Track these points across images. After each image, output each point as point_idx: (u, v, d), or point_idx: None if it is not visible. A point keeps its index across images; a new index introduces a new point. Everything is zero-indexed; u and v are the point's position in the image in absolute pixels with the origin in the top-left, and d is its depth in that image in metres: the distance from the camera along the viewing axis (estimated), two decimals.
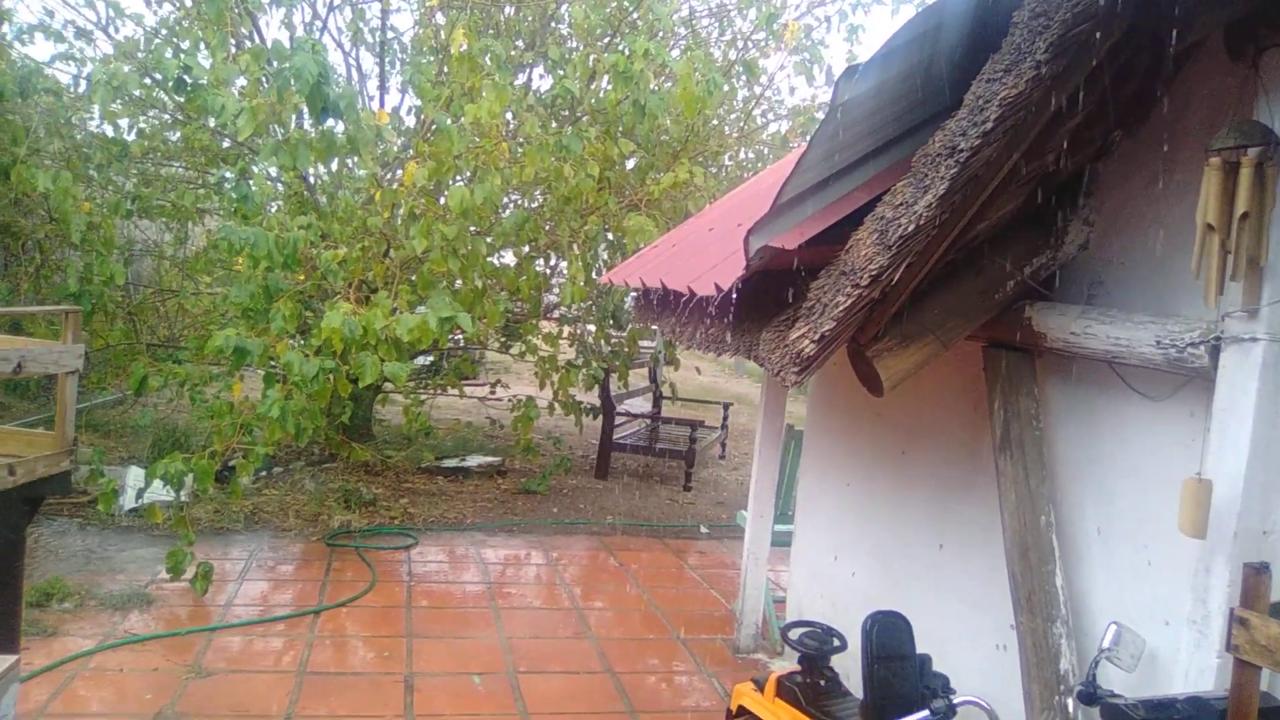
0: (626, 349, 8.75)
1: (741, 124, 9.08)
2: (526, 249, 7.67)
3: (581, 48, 7.61)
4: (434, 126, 6.17)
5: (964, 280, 3.09)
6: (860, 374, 3.14)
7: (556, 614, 5.77)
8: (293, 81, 4.67)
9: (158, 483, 5.27)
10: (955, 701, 2.84)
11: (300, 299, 6.27)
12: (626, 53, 5.94)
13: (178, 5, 7.67)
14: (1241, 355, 2.38)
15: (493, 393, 9.70)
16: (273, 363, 5.61)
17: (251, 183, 5.78)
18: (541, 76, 8.47)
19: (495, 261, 7.46)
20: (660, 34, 7.54)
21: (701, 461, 10.12)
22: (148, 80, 6.77)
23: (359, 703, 4.38)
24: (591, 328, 8.66)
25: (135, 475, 6.70)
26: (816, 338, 2.74)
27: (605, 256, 7.82)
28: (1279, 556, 2.35)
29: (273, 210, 7.43)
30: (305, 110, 5.31)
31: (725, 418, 11.46)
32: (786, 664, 4.66)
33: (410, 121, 8.21)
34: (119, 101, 6.44)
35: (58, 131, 7.42)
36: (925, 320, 3.02)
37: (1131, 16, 2.33)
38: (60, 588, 5.25)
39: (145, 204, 7.46)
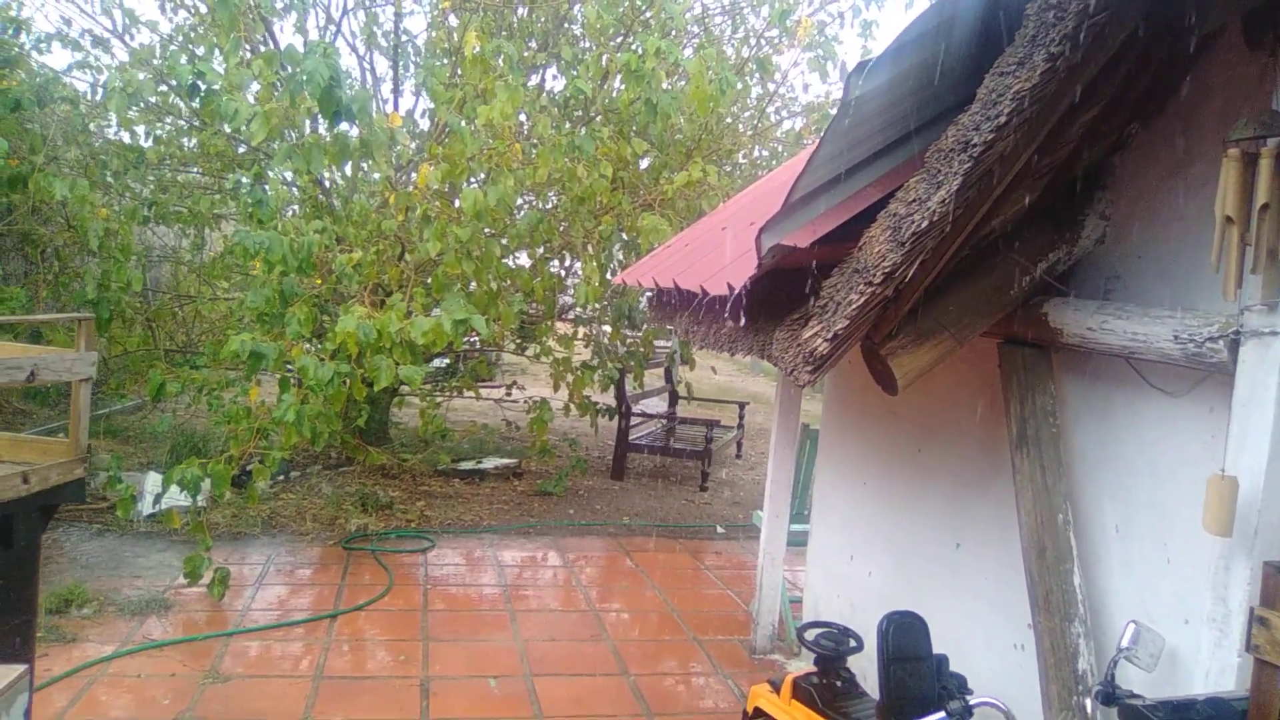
0: (642, 349, 8.73)
1: (755, 122, 9.05)
2: (541, 250, 7.67)
3: (594, 48, 7.61)
4: (447, 129, 6.18)
5: (979, 276, 3.06)
6: (874, 372, 3.12)
7: (573, 616, 5.76)
8: (305, 85, 4.68)
9: (175, 488, 5.29)
10: (972, 702, 2.81)
11: (316, 303, 6.29)
12: (639, 51, 5.92)
13: (192, 12, 7.71)
14: (1262, 349, 2.34)
15: (508, 395, 9.70)
16: (288, 367, 5.62)
17: (267, 187, 5.80)
18: (555, 77, 8.48)
19: (510, 263, 7.47)
20: (673, 32, 7.53)
21: (718, 461, 10.10)
22: (163, 87, 6.81)
23: (375, 706, 4.38)
24: (607, 328, 8.65)
25: (153, 481, 6.74)
26: (829, 336, 2.71)
27: (620, 257, 7.81)
28: None
29: (289, 215, 7.47)
30: (319, 114, 5.32)
31: (741, 417, 11.42)
32: (803, 665, 4.62)
33: (425, 124, 8.23)
34: (135, 108, 6.48)
35: (75, 139, 7.48)
36: (940, 317, 2.99)
37: (1147, 6, 2.30)
38: (80, 594, 5.28)
39: (162, 210, 7.50)
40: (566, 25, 8.20)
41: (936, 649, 3.18)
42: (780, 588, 5.39)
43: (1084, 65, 2.32)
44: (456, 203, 6.52)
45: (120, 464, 6.26)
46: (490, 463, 9.19)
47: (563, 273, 8.60)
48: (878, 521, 4.55)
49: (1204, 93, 2.77)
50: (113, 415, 9.32)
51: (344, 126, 5.48)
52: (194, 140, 8.13)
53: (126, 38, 7.47)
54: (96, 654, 4.66)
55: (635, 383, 9.37)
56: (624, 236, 7.43)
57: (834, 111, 2.64)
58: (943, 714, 2.79)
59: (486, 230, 6.54)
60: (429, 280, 6.59)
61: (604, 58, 6.96)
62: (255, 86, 5.77)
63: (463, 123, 5.93)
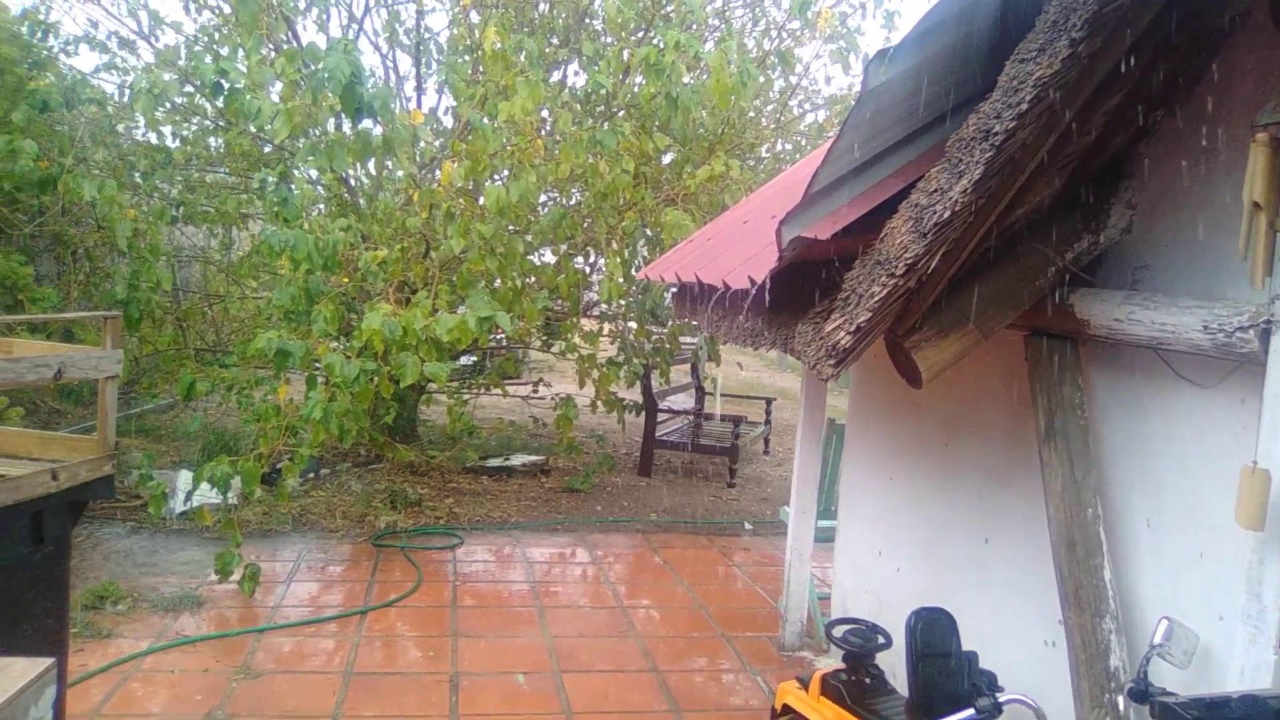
0: (668, 346, 8.72)
1: (778, 115, 9.00)
2: (565, 247, 7.67)
3: (615, 43, 7.59)
4: (470, 126, 6.19)
5: (1003, 268, 3.01)
6: (899, 366, 3.08)
7: (601, 612, 5.76)
8: (327, 82, 4.70)
9: (206, 485, 5.34)
10: (1001, 700, 2.77)
11: (342, 301, 6.33)
12: (660, 45, 5.90)
13: (216, 12, 7.78)
14: None
15: (535, 392, 9.72)
16: (316, 365, 5.66)
17: (292, 186, 5.84)
18: (576, 74, 8.47)
19: (535, 260, 7.48)
20: (693, 26, 7.50)
21: (745, 457, 10.06)
22: (188, 88, 6.87)
23: (405, 702, 4.40)
24: (632, 325, 8.64)
25: (185, 479, 6.81)
26: (852, 329, 2.68)
27: (644, 253, 7.79)
28: None
29: (315, 213, 7.52)
30: (342, 112, 5.35)
31: (768, 413, 11.37)
32: (832, 661, 4.60)
33: (448, 122, 8.25)
34: (161, 109, 6.54)
35: (103, 141, 7.56)
36: (964, 309, 2.96)
37: None
38: (114, 590, 5.34)
39: (190, 210, 7.58)
40: (587, 21, 8.19)
41: (966, 645, 3.15)
42: (808, 584, 5.36)
43: (1107, 51, 2.28)
44: (480, 200, 6.53)
45: (152, 462, 6.35)
46: (518, 460, 9.22)
47: (587, 269, 8.59)
48: (905, 517, 4.51)
49: (1231, 77, 2.71)
50: (145, 414, 9.43)
51: (367, 124, 5.51)
52: (220, 140, 8.21)
53: (152, 39, 7.55)
54: (131, 649, 4.72)
55: (661, 379, 9.36)
56: (647, 232, 7.42)
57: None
58: (972, 711, 2.76)
59: (510, 227, 6.55)
60: (454, 277, 6.61)
61: (625, 52, 6.95)
62: (279, 86, 5.82)
63: (484, 119, 5.94)
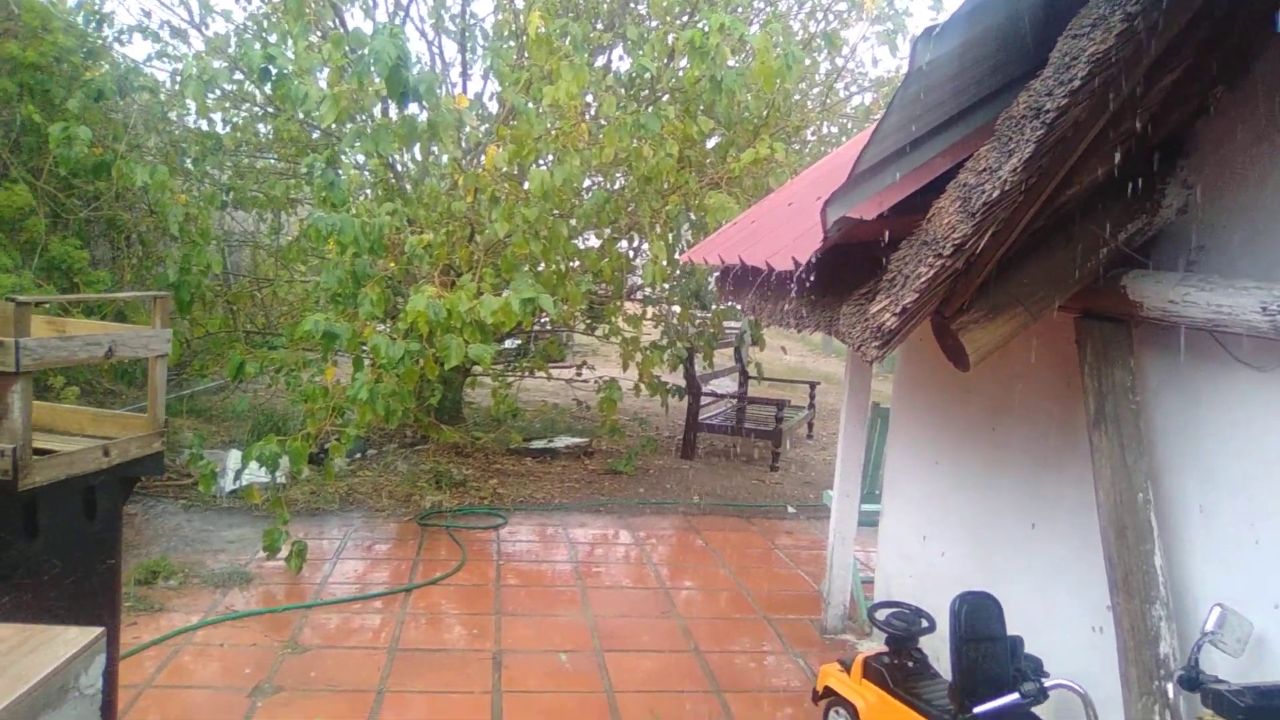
0: (711, 329, 8.70)
1: (824, 98, 8.91)
2: (608, 230, 7.67)
3: (660, 26, 7.56)
4: (514, 110, 6.21)
5: (1054, 248, 2.96)
6: (945, 348, 3.05)
7: (643, 593, 5.79)
8: (372, 66, 4.73)
9: (255, 465, 5.44)
10: (1047, 685, 2.75)
11: (388, 284, 6.39)
12: (704, 28, 5.86)
13: (265, 0, 7.86)
14: None
15: (579, 375, 9.76)
16: (362, 346, 5.73)
17: (339, 171, 5.90)
18: (621, 58, 8.45)
19: (579, 244, 7.49)
20: (739, 9, 7.43)
21: (789, 441, 10.03)
22: (238, 75, 6.96)
23: (448, 678, 4.46)
24: (676, 308, 8.63)
25: (235, 458, 6.96)
26: (898, 310, 2.66)
27: (689, 237, 7.77)
28: None
29: (362, 198, 7.59)
30: (387, 96, 5.39)
31: (812, 397, 11.32)
32: (874, 645, 4.58)
33: (493, 107, 8.28)
34: (211, 96, 6.64)
35: (155, 127, 7.70)
36: (1013, 291, 2.91)
37: None
38: (166, 566, 5.47)
39: (239, 195, 7.70)
40: (632, 5, 8.16)
41: (1011, 631, 3.13)
42: (851, 567, 5.34)
43: (1164, 25, 2.22)
44: (525, 184, 6.55)
45: (203, 442, 6.47)
46: (561, 442, 9.27)
47: (631, 253, 8.59)
48: (950, 501, 4.47)
49: None
50: (196, 395, 9.62)
51: (412, 109, 5.54)
52: (269, 126, 8.31)
53: (202, 28, 7.66)
54: (183, 623, 4.84)
55: (705, 362, 9.35)
56: (691, 216, 7.40)
57: None
58: (1016, 695, 2.75)
59: (554, 211, 6.57)
60: (498, 261, 6.65)
61: (669, 36, 6.91)
62: (326, 72, 5.88)
63: (529, 104, 5.95)
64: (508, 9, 7.67)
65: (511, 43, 7.51)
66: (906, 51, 7.33)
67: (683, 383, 9.38)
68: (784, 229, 3.91)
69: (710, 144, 7.95)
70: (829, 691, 3.98)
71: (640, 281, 8.40)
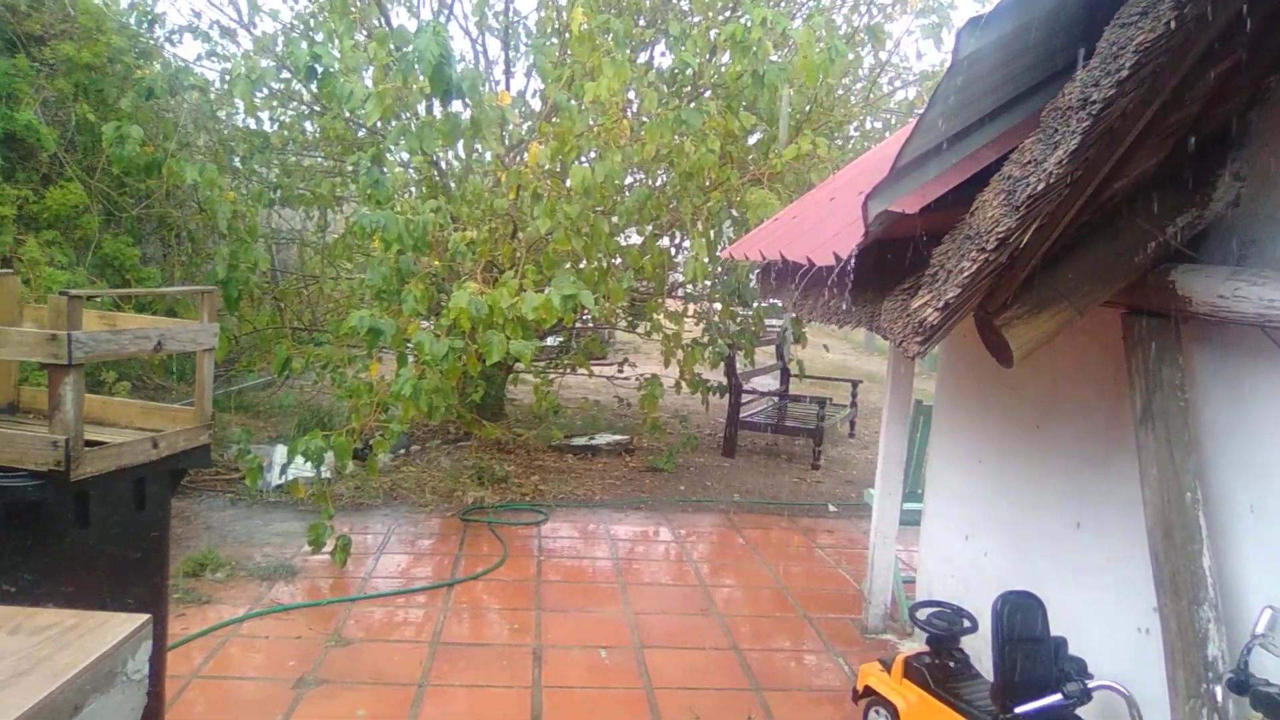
0: (753, 327, 8.67)
1: (867, 92, 8.84)
2: (650, 227, 7.67)
3: (702, 21, 7.55)
4: (556, 107, 6.23)
5: (1100, 242, 2.91)
6: (989, 344, 3.01)
7: (683, 590, 5.79)
8: (416, 64, 4.77)
9: (300, 459, 5.52)
10: (1091, 686, 2.71)
11: (431, 281, 6.44)
12: (746, 23, 5.84)
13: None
14: None
15: (620, 372, 9.77)
16: (406, 343, 5.79)
17: (384, 169, 5.96)
18: (662, 54, 8.45)
19: (620, 240, 7.50)
20: (781, 3, 7.39)
21: (830, 440, 9.97)
22: (284, 74, 7.06)
23: (489, 672, 4.49)
24: (717, 305, 8.61)
25: (281, 453, 7.05)
26: (940, 306, 2.63)
27: (730, 233, 7.75)
28: None
29: (407, 196, 7.67)
30: (431, 94, 5.43)
31: (854, 395, 11.24)
32: (915, 645, 4.54)
33: (536, 105, 8.32)
34: (259, 95, 6.74)
35: (204, 126, 7.83)
36: (1058, 286, 2.87)
37: None
38: (213, 559, 5.56)
39: (287, 193, 7.80)
40: (674, 1, 8.14)
41: (1056, 631, 3.08)
42: (893, 566, 5.30)
43: (1215, 13, 2.18)
44: (567, 181, 6.57)
45: (250, 437, 6.58)
46: (602, 439, 9.29)
47: (672, 249, 8.59)
48: (994, 500, 4.42)
49: None
50: (243, 391, 9.78)
51: (456, 106, 5.58)
52: (315, 125, 8.42)
53: (251, 27, 7.77)
54: (230, 615, 4.92)
55: (746, 360, 9.32)
56: (733, 213, 7.37)
57: None
58: (1059, 696, 2.71)
59: (596, 208, 6.58)
60: (540, 258, 6.67)
61: (712, 32, 6.89)
62: (371, 70, 5.94)
63: (571, 100, 5.97)
64: (550, 6, 7.69)
65: (554, 40, 7.54)
66: (951, 45, 7.25)
67: (724, 380, 9.36)
68: (826, 224, 3.88)
69: (752, 140, 7.92)
70: (869, 691, 3.95)
71: (681, 278, 8.39)
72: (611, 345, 13.84)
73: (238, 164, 7.75)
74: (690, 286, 8.51)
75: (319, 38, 7.07)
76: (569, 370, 9.66)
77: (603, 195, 6.38)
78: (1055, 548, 3.86)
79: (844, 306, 3.42)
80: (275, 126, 8.21)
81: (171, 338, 2.89)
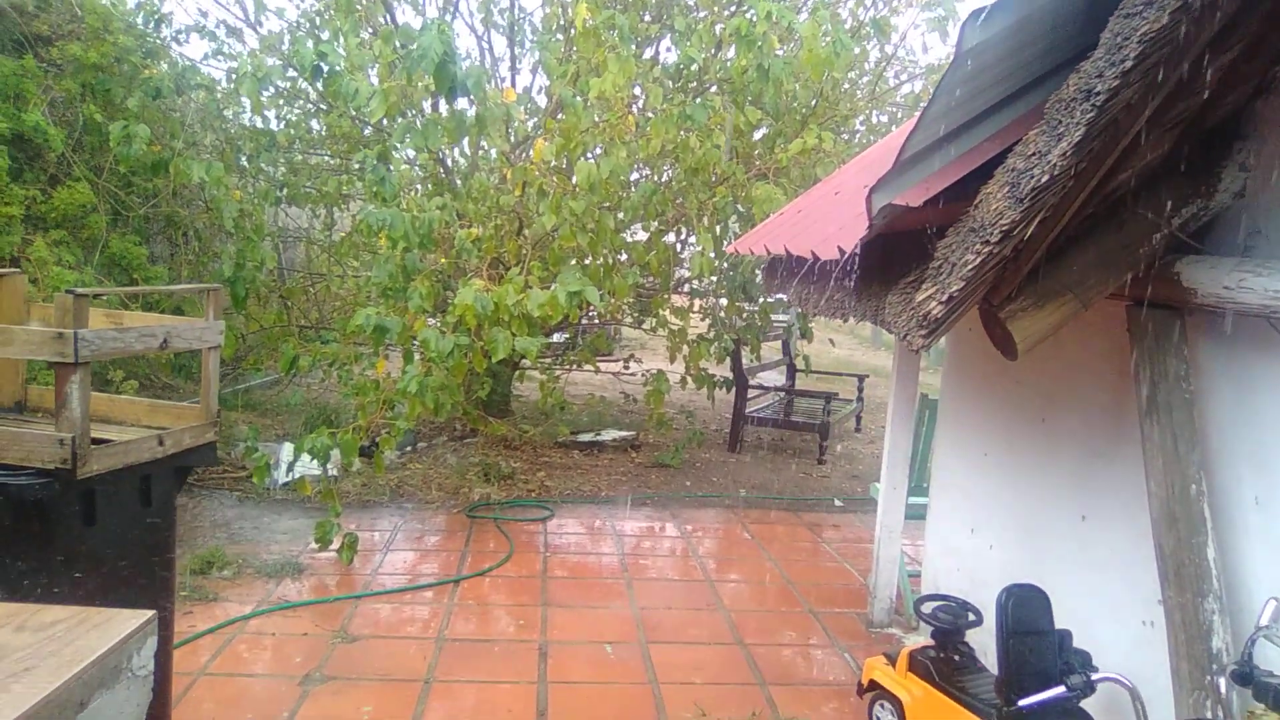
0: (759, 322, 8.67)
1: (873, 86, 8.82)
2: (656, 223, 7.67)
3: (707, 17, 7.54)
4: (562, 104, 6.23)
5: (1105, 234, 2.90)
6: (993, 337, 3.01)
7: (688, 586, 5.79)
8: (420, 62, 4.78)
9: (307, 457, 5.53)
10: (1095, 678, 2.71)
11: (438, 278, 6.45)
12: (751, 17, 5.83)
13: None
14: None
15: (626, 368, 9.78)
16: (412, 340, 5.80)
17: (390, 166, 5.97)
18: (668, 49, 8.45)
19: (626, 237, 7.50)
20: None
21: (836, 434, 9.97)
22: (290, 72, 7.07)
23: (495, 668, 4.50)
24: (723, 301, 8.62)
25: (288, 451, 7.07)
26: (944, 299, 2.62)
27: (736, 229, 7.75)
28: None
29: (413, 193, 7.68)
30: (436, 91, 5.43)
31: (860, 390, 11.23)
32: (921, 639, 4.54)
33: (541, 101, 8.32)
34: (265, 93, 6.75)
35: (211, 125, 7.85)
36: (1063, 278, 2.86)
37: None
38: (220, 556, 5.58)
39: (293, 191, 7.82)
40: None
41: (1061, 624, 3.08)
42: (898, 561, 5.30)
43: (1220, 2, 2.17)
44: (572, 177, 6.58)
45: (257, 435, 6.60)
46: (608, 435, 9.31)
47: (678, 245, 8.59)
48: (999, 493, 4.41)
49: None
50: (250, 389, 9.81)
51: (461, 104, 5.59)
52: (321, 123, 8.44)
53: (257, 26, 7.79)
54: (237, 612, 4.93)
55: (752, 355, 9.32)
56: (739, 209, 7.37)
57: None
58: (1063, 688, 2.71)
59: (602, 204, 6.58)
60: (546, 254, 6.68)
61: (716, 26, 6.89)
62: (377, 68, 5.95)
63: (576, 96, 5.97)
64: (555, 2, 7.69)
65: (559, 36, 7.53)
66: (957, 37, 7.23)
67: (730, 375, 9.36)
68: (831, 218, 3.88)
69: (758, 135, 7.91)
70: (874, 685, 3.95)
71: (687, 274, 8.39)
72: (617, 341, 13.85)
73: (244, 163, 7.76)
74: (696, 282, 8.51)
75: (325, 36, 7.09)
76: (575, 367, 9.67)
77: (608, 191, 6.37)
78: (1060, 541, 3.85)
79: (849, 301, 3.41)
80: (281, 125, 8.22)
81: (177, 336, 2.90)
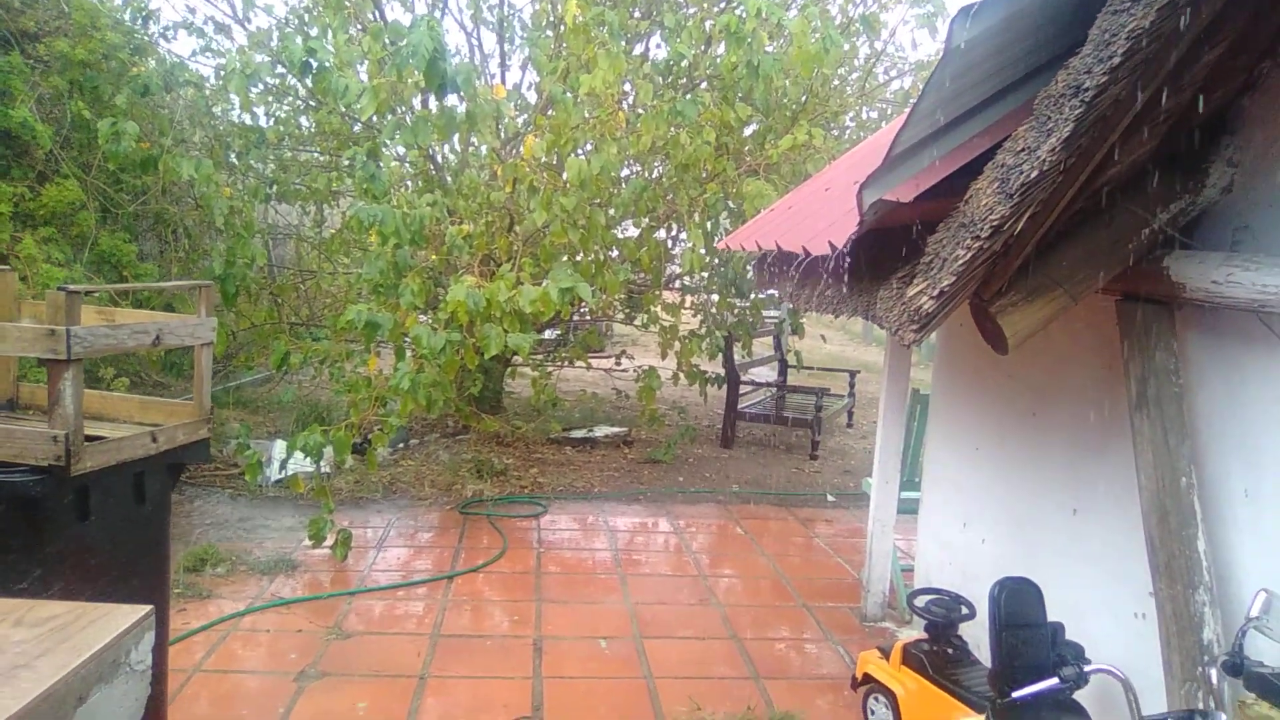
0: (750, 318, 8.68)
1: (863, 82, 8.83)
2: (646, 219, 7.68)
3: (697, 13, 7.54)
4: (552, 100, 6.22)
5: (1094, 229, 2.92)
6: (984, 332, 3.02)
7: (682, 581, 5.81)
8: (410, 58, 4.77)
9: (300, 454, 5.53)
10: (1087, 670, 2.73)
11: (429, 274, 6.44)
12: (741, 13, 5.84)
13: None
14: None
15: (618, 364, 9.79)
16: (404, 337, 5.80)
17: (380, 163, 5.96)
18: (658, 46, 8.45)
19: (617, 233, 7.50)
20: None
21: (828, 430, 9.99)
22: (279, 69, 7.04)
23: (490, 664, 4.51)
24: (714, 296, 8.63)
25: (280, 448, 7.07)
26: (935, 294, 2.64)
27: (727, 225, 7.76)
28: None
29: (403, 190, 7.66)
30: (426, 88, 5.43)
31: (852, 386, 11.26)
32: (914, 633, 4.56)
33: (531, 97, 8.31)
34: (254, 90, 6.73)
35: (200, 122, 7.83)
36: (1053, 273, 2.88)
37: None
38: (214, 554, 5.58)
39: (283, 188, 7.80)
40: None
41: (1053, 617, 3.09)
42: (891, 555, 5.32)
43: None
44: (563, 173, 6.58)
45: (249, 432, 6.58)
46: (601, 431, 9.31)
47: (669, 241, 8.59)
48: (991, 487, 4.43)
49: None
50: (242, 387, 9.79)
51: (451, 100, 5.58)
52: (311, 120, 8.41)
53: (245, 23, 7.76)
54: (231, 609, 4.93)
55: (744, 351, 9.33)
56: (730, 205, 7.39)
57: None
58: (1055, 680, 2.73)
59: (593, 200, 6.58)
60: (537, 251, 6.68)
61: (706, 22, 6.89)
62: (366, 65, 5.93)
63: (566, 93, 5.97)
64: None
65: (549, 32, 7.52)
66: (945, 34, 7.25)
67: (722, 371, 9.38)
68: (821, 214, 3.89)
69: (748, 131, 7.92)
70: (868, 678, 3.97)
71: (679, 270, 8.40)
72: (609, 338, 13.85)
73: (234, 160, 7.73)
74: (687, 278, 8.52)
75: (313, 33, 7.06)
76: (567, 363, 9.68)
77: (599, 187, 6.38)
78: (1052, 534, 3.87)
79: (840, 296, 3.43)
80: (271, 122, 8.19)
81: (170, 332, 2.90)
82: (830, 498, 7.93)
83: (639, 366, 8.47)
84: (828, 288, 3.55)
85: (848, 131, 8.74)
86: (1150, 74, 2.30)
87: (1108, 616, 3.46)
